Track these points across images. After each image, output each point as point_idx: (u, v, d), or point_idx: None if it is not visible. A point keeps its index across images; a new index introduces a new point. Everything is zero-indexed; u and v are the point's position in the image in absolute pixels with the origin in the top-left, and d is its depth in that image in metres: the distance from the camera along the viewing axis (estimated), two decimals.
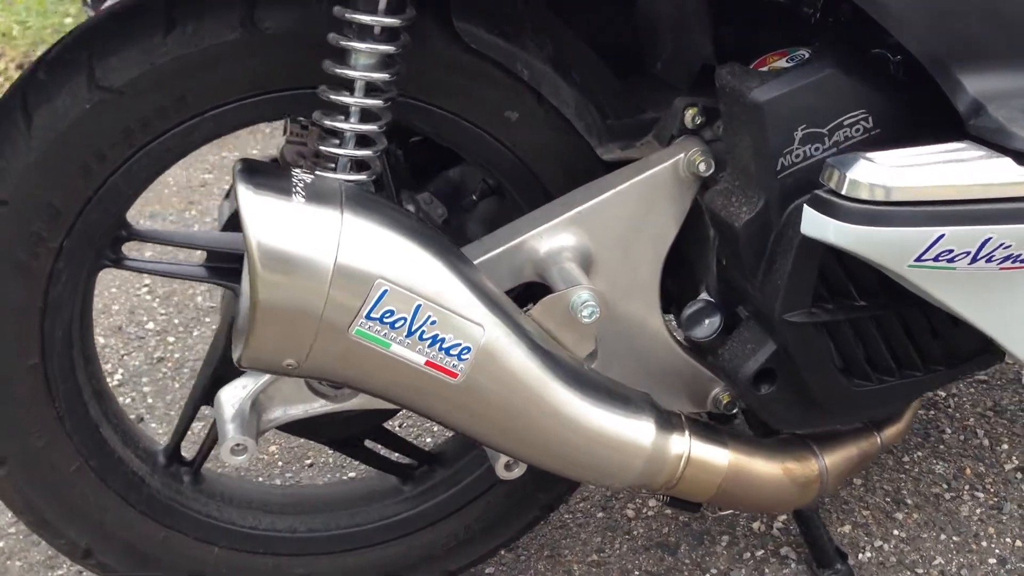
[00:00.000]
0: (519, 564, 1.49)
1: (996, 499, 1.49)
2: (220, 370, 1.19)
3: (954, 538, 1.44)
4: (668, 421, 1.08)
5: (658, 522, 1.55)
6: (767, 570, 1.44)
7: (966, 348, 1.14)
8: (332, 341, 0.88)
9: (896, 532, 1.46)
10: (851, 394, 1.10)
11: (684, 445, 1.08)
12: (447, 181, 1.31)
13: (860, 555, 1.43)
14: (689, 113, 1.09)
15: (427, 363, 0.91)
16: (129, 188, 1.06)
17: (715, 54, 1.10)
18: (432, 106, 1.09)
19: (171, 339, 2.05)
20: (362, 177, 1.00)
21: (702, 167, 1.08)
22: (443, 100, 1.10)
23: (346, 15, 0.95)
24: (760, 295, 1.04)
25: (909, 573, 1.40)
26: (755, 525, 1.51)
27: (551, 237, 1.10)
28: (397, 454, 1.39)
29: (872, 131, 1.00)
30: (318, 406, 1.16)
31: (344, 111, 0.99)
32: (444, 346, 0.91)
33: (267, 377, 1.12)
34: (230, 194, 1.35)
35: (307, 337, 0.87)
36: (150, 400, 1.87)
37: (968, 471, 1.55)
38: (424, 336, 0.90)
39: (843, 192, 0.90)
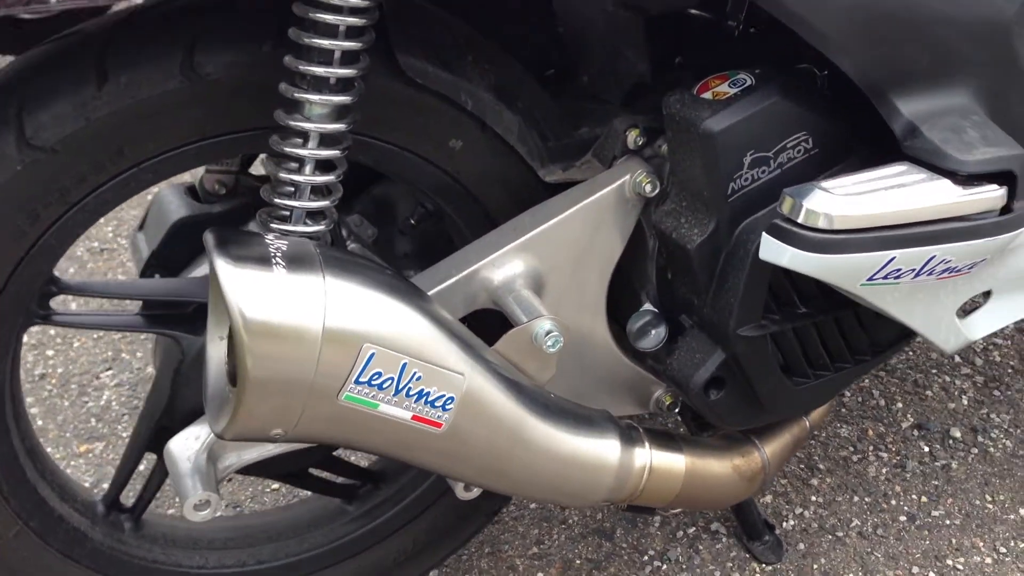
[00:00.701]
0: (461, 564, 1.52)
1: (898, 457, 1.61)
2: (164, 420, 1.15)
3: (866, 499, 1.55)
4: (629, 436, 1.11)
5: (590, 510, 1.60)
6: (700, 546, 1.51)
7: (887, 339, 1.22)
8: (321, 408, 0.86)
9: (813, 498, 1.56)
10: (792, 392, 1.16)
11: (646, 457, 1.12)
12: (373, 200, 1.30)
13: (784, 524, 1.52)
14: (632, 135, 1.11)
15: (413, 417, 0.91)
16: (61, 244, 1.01)
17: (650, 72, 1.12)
18: (375, 139, 1.07)
19: (50, 352, 1.95)
20: (320, 228, 0.98)
21: (647, 187, 1.10)
22: (386, 133, 1.07)
23: (299, 67, 0.91)
24: (711, 311, 1.08)
25: (831, 536, 1.50)
26: None
27: (504, 264, 1.10)
28: (340, 477, 1.38)
29: (812, 151, 1.04)
30: (270, 449, 1.14)
31: (299, 161, 0.96)
32: (429, 399, 0.91)
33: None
34: (142, 226, 1.29)
35: (297, 406, 0.85)
36: (40, 422, 1.78)
37: (870, 432, 1.66)
38: (410, 393, 0.89)
39: (800, 221, 0.94)
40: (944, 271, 0.99)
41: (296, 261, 0.85)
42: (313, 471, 1.33)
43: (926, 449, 1.61)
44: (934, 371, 1.76)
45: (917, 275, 0.98)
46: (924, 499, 1.54)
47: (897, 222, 0.95)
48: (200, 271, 1.18)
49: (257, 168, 1.30)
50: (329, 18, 0.90)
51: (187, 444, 1.09)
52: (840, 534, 1.50)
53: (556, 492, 1.07)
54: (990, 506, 1.51)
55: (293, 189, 0.97)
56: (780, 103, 1.01)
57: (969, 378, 1.74)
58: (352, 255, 0.95)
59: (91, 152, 0.95)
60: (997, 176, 0.98)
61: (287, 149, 0.95)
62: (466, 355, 0.94)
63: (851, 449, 1.63)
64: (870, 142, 1.06)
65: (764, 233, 0.97)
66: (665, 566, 1.49)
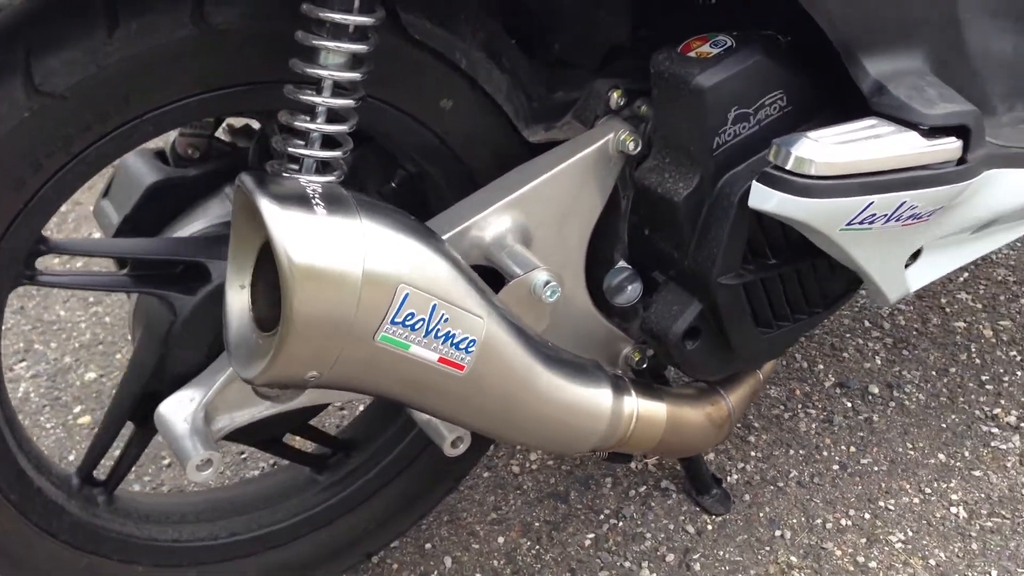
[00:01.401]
0: (422, 534, 1.53)
1: (825, 413, 1.72)
2: (152, 384, 1.13)
3: (800, 452, 1.64)
4: (618, 384, 1.16)
5: (543, 474, 1.64)
6: (653, 503, 1.58)
7: (836, 291, 1.31)
8: (358, 349, 0.87)
9: (752, 453, 1.65)
10: (759, 341, 1.24)
11: (633, 405, 1.17)
12: (350, 166, 1.30)
13: (729, 478, 1.60)
14: (614, 95, 1.16)
15: (440, 359, 0.93)
16: (59, 197, 0.98)
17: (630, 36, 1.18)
18: (369, 97, 1.09)
19: None
20: (331, 179, 0.98)
21: (631, 145, 1.16)
22: (378, 90, 1.09)
23: (318, 13, 0.92)
24: (693, 261, 1.14)
25: (772, 487, 1.59)
26: (633, 464, 1.64)
27: (494, 221, 1.13)
28: (313, 445, 1.38)
29: (786, 108, 1.12)
30: (263, 409, 1.14)
31: (311, 111, 0.96)
32: (455, 341, 0.93)
33: (217, 386, 1.09)
34: (108, 193, 1.26)
35: (335, 348, 0.86)
36: None
37: (797, 391, 1.76)
38: (439, 334, 0.92)
39: (791, 168, 1.01)
40: (909, 217, 1.08)
41: (334, 203, 0.86)
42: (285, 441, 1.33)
43: (849, 405, 1.73)
44: (848, 335, 1.88)
45: (887, 221, 1.07)
46: (852, 449, 1.64)
47: (874, 169, 1.03)
48: (182, 231, 1.17)
49: (228, 134, 1.29)
50: None
51: (181, 406, 1.08)
52: (780, 484, 1.59)
53: (555, 439, 1.11)
54: (912, 452, 1.63)
55: (305, 139, 0.97)
56: (762, 62, 1.08)
57: (880, 340, 1.87)
58: (379, 201, 0.96)
59: (99, 100, 0.93)
60: (953, 130, 1.08)
61: (303, 97, 0.95)
62: (483, 300, 0.97)
63: (782, 408, 1.73)
64: (832, 102, 1.15)
65: (755, 181, 1.03)
66: (621, 523, 1.55)
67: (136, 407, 1.15)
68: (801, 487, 1.58)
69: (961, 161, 1.09)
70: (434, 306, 0.90)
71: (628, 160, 1.18)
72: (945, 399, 1.73)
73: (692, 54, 1.10)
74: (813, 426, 1.69)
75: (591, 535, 1.53)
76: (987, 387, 1.75)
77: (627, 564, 1.48)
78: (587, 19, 1.20)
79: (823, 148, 1.01)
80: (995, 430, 1.66)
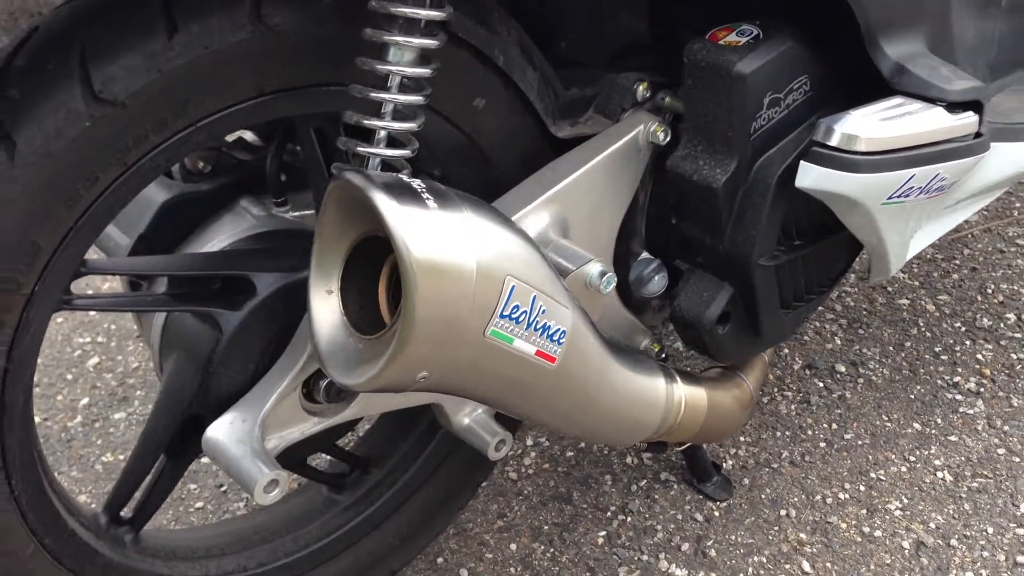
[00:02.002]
0: (431, 548, 1.50)
1: (801, 395, 1.77)
2: (192, 410, 1.06)
3: (786, 433, 1.69)
4: (667, 373, 1.17)
5: (541, 477, 1.63)
6: (656, 496, 1.59)
7: (838, 269, 1.36)
8: (469, 345, 0.85)
9: (742, 439, 1.68)
10: (782, 321, 1.27)
11: (680, 392, 1.18)
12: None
13: (724, 464, 1.63)
14: (640, 88, 1.18)
15: (537, 352, 0.91)
16: (109, 214, 0.92)
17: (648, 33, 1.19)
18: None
19: None
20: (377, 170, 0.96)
21: (661, 136, 1.17)
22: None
23: (390, 8, 0.90)
24: (730, 245, 1.16)
25: (767, 469, 1.63)
26: (628, 460, 1.65)
27: (537, 216, 1.12)
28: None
29: (809, 93, 1.16)
30: (311, 425, 1.10)
31: (378, 110, 0.94)
32: (549, 332, 0.92)
33: (270, 403, 1.04)
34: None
35: (450, 345, 0.83)
36: None
37: (770, 376, 1.81)
38: (537, 326, 0.90)
39: (839, 146, 1.04)
40: (936, 189, 1.14)
41: (440, 196, 0.83)
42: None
43: (821, 385, 1.79)
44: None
45: (920, 193, 1.12)
46: (834, 426, 1.70)
47: (911, 144, 1.08)
48: (210, 246, 1.11)
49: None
50: None
51: (233, 428, 1.03)
52: (775, 466, 1.63)
53: (621, 428, 1.11)
54: (889, 424, 1.70)
55: (371, 139, 0.94)
56: (793, 48, 1.11)
57: (835, 321, 1.94)
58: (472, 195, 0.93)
59: (158, 107, 0.88)
60: (969, 105, 1.14)
61: (372, 94, 0.92)
62: (566, 291, 0.96)
63: (760, 393, 1.78)
64: (846, 86, 1.19)
65: (803, 161, 1.06)
66: (629, 518, 1.55)
67: (172, 437, 1.08)
68: (795, 466, 1.63)
69: (978, 135, 1.15)
70: (534, 297, 0.89)
71: (655, 149, 1.19)
72: (907, 372, 1.81)
73: (722, 43, 1.13)
74: (792, 408, 1.74)
75: (603, 533, 1.53)
76: (942, 358, 1.84)
77: (644, 557, 1.49)
78: (603, 18, 1.21)
79: (869, 124, 1.05)
80: (959, 397, 1.75)
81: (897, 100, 1.11)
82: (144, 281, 1.14)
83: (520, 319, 0.88)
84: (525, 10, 1.23)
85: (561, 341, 0.93)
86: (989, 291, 2.01)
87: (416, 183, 0.84)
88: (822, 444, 1.67)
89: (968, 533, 1.50)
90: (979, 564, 1.45)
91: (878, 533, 1.51)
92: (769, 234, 1.15)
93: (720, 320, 1.21)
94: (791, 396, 1.77)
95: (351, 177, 0.82)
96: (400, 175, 0.87)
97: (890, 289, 2.04)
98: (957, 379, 1.79)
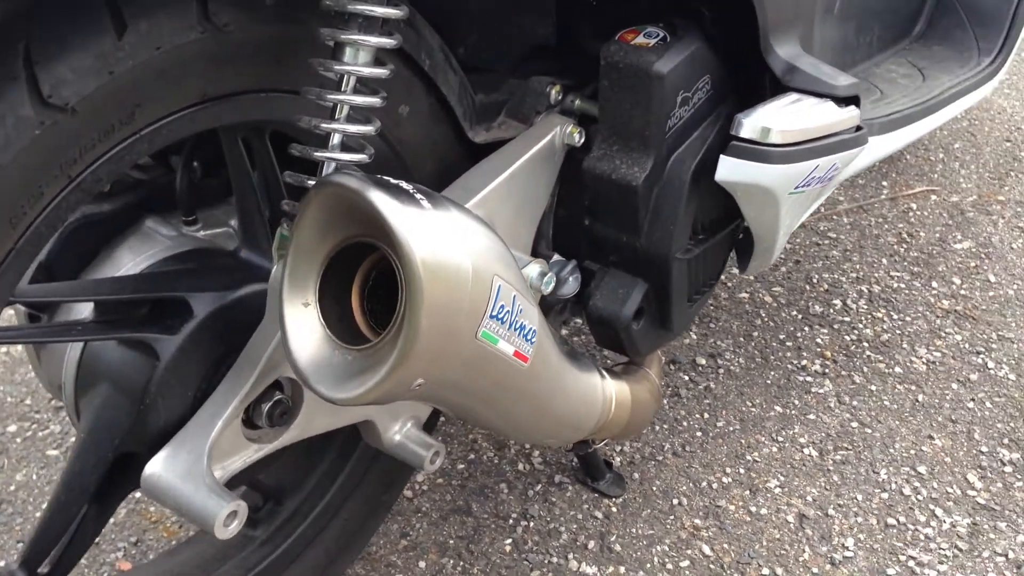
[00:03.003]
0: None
1: (671, 388, 1.85)
2: (127, 447, 0.98)
3: (664, 426, 1.75)
4: (599, 371, 1.19)
5: (436, 493, 1.61)
6: (554, 498, 1.60)
7: (723, 260, 1.43)
8: (462, 348, 0.83)
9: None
10: (687, 314, 1.33)
11: (610, 388, 1.20)
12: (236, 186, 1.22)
13: (614, 461, 1.67)
14: (553, 91, 1.20)
15: (515, 352, 0.91)
16: (49, 233, 0.83)
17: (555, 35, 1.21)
18: None
19: None
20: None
21: (576, 137, 1.19)
22: None
23: (349, 7, 0.87)
24: (647, 242, 1.20)
25: (653, 462, 1.68)
26: (520, 466, 1.66)
27: None
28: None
29: (710, 92, 1.21)
30: (252, 452, 1.04)
31: (332, 114, 0.90)
32: (524, 332, 0.91)
33: (215, 432, 0.97)
34: None
35: (447, 350, 0.81)
36: None
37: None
38: (515, 326, 0.89)
39: (758, 139, 1.10)
40: (828, 179, 1.22)
41: (430, 197, 0.81)
42: None
43: (687, 378, 1.87)
44: None
45: (818, 183, 1.20)
46: (706, 415, 1.78)
47: (813, 136, 1.15)
48: (102, 272, 1.03)
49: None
50: None
51: (177, 463, 0.96)
52: (659, 458, 1.69)
53: (571, 426, 1.12)
54: (754, 409, 1.80)
55: (326, 144, 0.91)
56: (700, 48, 1.16)
57: None
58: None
59: (108, 114, 0.81)
60: (851, 100, 1.23)
61: (330, 96, 0.89)
62: (530, 289, 0.96)
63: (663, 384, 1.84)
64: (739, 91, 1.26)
65: (723, 156, 1.12)
66: (532, 523, 1.56)
67: (100, 480, 0.99)
68: (677, 457, 1.69)
69: (859, 127, 1.25)
70: (514, 297, 0.88)
71: (570, 151, 1.21)
72: (760, 359, 1.93)
73: (633, 44, 1.16)
74: (666, 402, 1.81)
75: (508, 540, 1.53)
76: (787, 344, 1.98)
77: (554, 559, 1.50)
78: (506, 22, 1.22)
79: (781, 118, 1.12)
80: (808, 379, 1.88)
81: (793, 96, 1.19)
82: (44, 313, 1.04)
83: (504, 319, 0.87)
84: (421, 14, 1.22)
85: (533, 340, 0.93)
86: (814, 280, 2.18)
87: (405, 184, 0.81)
88: (698, 433, 1.75)
89: (841, 502, 1.62)
90: (856, 529, 1.57)
91: (764, 511, 1.59)
92: (685, 229, 1.20)
93: (635, 316, 1.25)
94: (663, 379, 1.84)
95: (343, 179, 0.78)
96: (386, 177, 0.84)
97: (729, 284, 2.16)
98: (804, 362, 1.92)
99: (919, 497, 1.63)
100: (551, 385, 1.02)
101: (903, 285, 2.17)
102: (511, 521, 1.56)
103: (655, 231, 1.19)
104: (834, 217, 2.41)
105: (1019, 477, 1.67)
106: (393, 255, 0.79)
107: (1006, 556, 1.52)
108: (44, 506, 1.01)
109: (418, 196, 0.80)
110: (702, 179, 1.19)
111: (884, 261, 2.25)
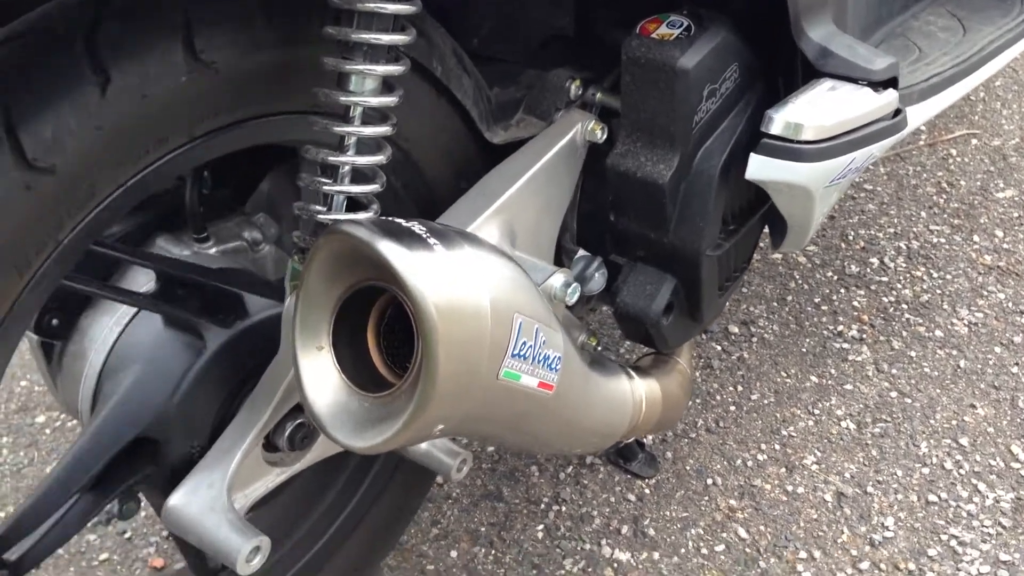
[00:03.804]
0: None
1: (703, 360, 1.81)
2: (152, 431, 0.96)
3: (697, 401, 1.72)
4: (627, 372, 1.16)
5: (468, 478, 1.60)
6: (585, 481, 1.59)
7: (754, 245, 1.39)
8: (483, 390, 0.80)
9: None
10: (717, 305, 1.28)
11: (640, 388, 1.17)
12: (266, 197, 1.18)
13: (645, 440, 1.65)
14: (573, 86, 1.14)
15: (539, 384, 0.88)
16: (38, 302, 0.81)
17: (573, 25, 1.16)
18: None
19: None
20: (370, 216, 0.89)
21: (599, 133, 1.14)
22: None
23: (351, 36, 0.82)
24: (675, 238, 1.15)
25: (686, 440, 1.66)
26: None
27: (487, 230, 1.07)
28: None
29: (738, 81, 1.15)
30: (274, 476, 1.02)
31: (341, 144, 0.86)
32: (548, 362, 0.88)
33: (234, 463, 0.96)
34: None
35: (468, 394, 0.78)
36: None
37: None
38: (539, 358, 0.86)
39: (788, 136, 1.05)
40: (863, 168, 1.17)
41: (441, 236, 0.78)
42: None
43: (719, 348, 1.84)
44: None
45: (853, 173, 1.14)
46: (740, 388, 1.75)
47: (851, 128, 1.09)
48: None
49: None
50: None
51: (199, 495, 0.94)
52: (693, 435, 1.66)
53: (604, 435, 1.09)
54: (788, 380, 1.77)
55: (335, 176, 0.87)
56: (727, 38, 1.10)
57: None
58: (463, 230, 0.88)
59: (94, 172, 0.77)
60: (888, 83, 1.17)
61: (337, 128, 0.85)
62: (553, 313, 0.93)
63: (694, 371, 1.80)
64: (769, 76, 1.20)
65: (753, 154, 1.06)
66: (564, 508, 1.55)
67: (105, 468, 0.96)
68: (711, 433, 1.67)
69: (897, 112, 1.18)
70: (537, 330, 0.85)
71: (593, 147, 1.16)
72: (795, 326, 1.89)
73: (655, 36, 1.10)
74: (698, 374, 1.78)
75: (540, 527, 1.52)
76: (822, 308, 1.93)
77: (587, 546, 1.49)
78: (523, 10, 1.17)
79: (814, 113, 1.06)
80: (845, 345, 1.84)
81: (828, 83, 1.12)
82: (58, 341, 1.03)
83: (527, 355, 0.84)
84: (432, 4, 1.17)
85: (557, 368, 0.90)
86: (850, 238, 2.11)
87: (415, 225, 0.77)
88: (732, 408, 1.72)
89: (880, 479, 1.59)
90: (896, 507, 1.54)
91: (800, 490, 1.57)
92: (715, 224, 1.15)
93: (665, 311, 1.21)
94: (694, 363, 1.80)
95: (349, 228, 0.75)
96: (396, 219, 0.81)
97: (762, 245, 2.10)
98: (840, 328, 1.88)
99: (961, 471, 1.59)
100: (578, 403, 0.99)
101: (943, 240, 2.10)
102: (543, 506, 1.55)
103: (683, 228, 1.15)
104: (870, 167, 2.33)
105: None
106: (407, 303, 0.75)
107: None
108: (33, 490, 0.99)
109: (430, 240, 0.76)
110: (732, 170, 1.14)
111: (923, 214, 2.18)
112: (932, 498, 1.55)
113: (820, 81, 1.13)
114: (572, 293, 1.06)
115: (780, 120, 1.05)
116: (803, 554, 1.47)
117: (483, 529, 1.52)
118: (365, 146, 0.87)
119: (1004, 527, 1.51)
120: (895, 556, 1.47)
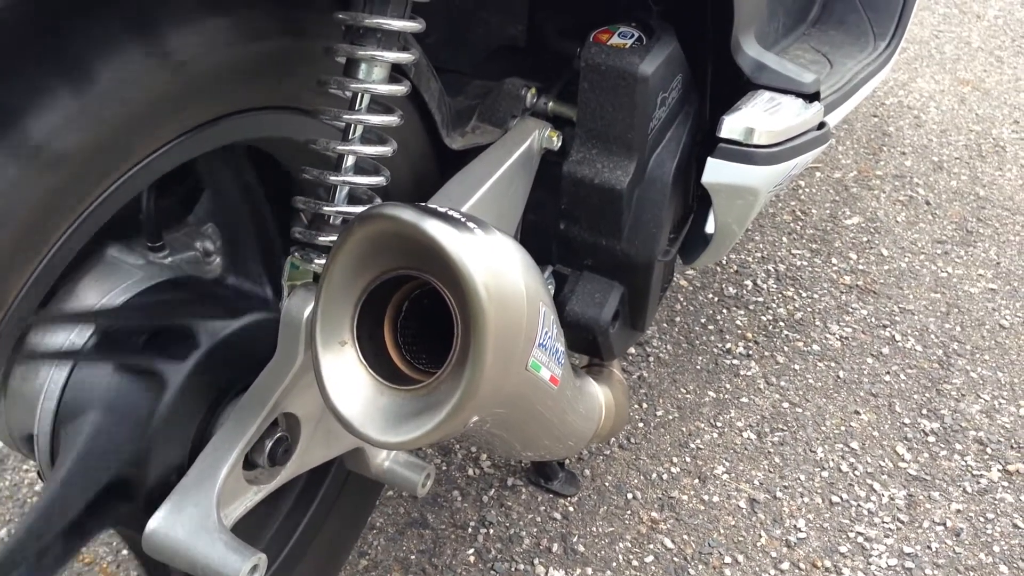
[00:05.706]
0: None
1: None
2: (125, 472, 0.89)
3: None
4: (593, 375, 1.16)
5: (388, 507, 1.55)
6: (509, 502, 1.58)
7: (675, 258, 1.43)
8: (515, 380, 0.79)
9: None
10: (654, 311, 1.32)
11: (605, 393, 1.18)
12: (217, 207, 1.13)
13: (564, 460, 1.65)
14: (528, 94, 1.15)
15: (551, 378, 0.87)
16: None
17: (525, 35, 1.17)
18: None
19: None
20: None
21: (555, 140, 1.16)
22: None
23: (365, 22, 0.80)
24: (629, 246, 1.18)
25: (601, 457, 1.67)
26: (470, 471, 1.62)
27: None
28: None
29: (680, 91, 1.20)
30: (252, 495, 0.96)
31: (346, 135, 0.84)
32: (556, 355, 0.88)
33: (220, 480, 0.90)
34: None
35: (504, 382, 0.77)
36: None
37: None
38: (553, 351, 0.86)
39: (744, 141, 1.10)
40: (794, 178, 1.23)
41: (476, 222, 0.76)
42: None
43: None
44: None
45: (788, 180, 1.21)
46: (644, 405, 1.79)
47: (793, 134, 1.16)
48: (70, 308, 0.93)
49: None
50: None
51: (183, 517, 0.88)
52: (607, 453, 1.68)
53: (580, 437, 1.09)
54: (689, 396, 1.82)
55: (341, 167, 0.84)
56: (676, 48, 1.15)
57: None
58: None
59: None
60: (814, 96, 1.25)
61: (346, 116, 0.82)
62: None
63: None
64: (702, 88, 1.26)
65: (711, 158, 1.11)
66: (491, 530, 1.53)
67: (79, 512, 0.88)
68: (624, 450, 1.69)
69: (822, 124, 1.26)
70: (553, 321, 0.84)
71: (546, 154, 1.18)
72: (687, 345, 1.95)
73: (609, 45, 1.14)
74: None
75: (471, 551, 1.49)
76: (709, 327, 2.01)
77: (521, 567, 1.48)
78: (473, 20, 1.17)
79: (765, 119, 1.11)
80: (735, 361, 1.92)
81: (767, 95, 1.19)
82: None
83: (547, 345, 0.83)
84: None
85: (562, 362, 0.90)
86: (724, 262, 2.22)
87: (452, 211, 0.76)
88: (640, 424, 1.75)
89: (786, 484, 1.66)
90: (804, 510, 1.61)
91: (716, 498, 1.61)
92: (666, 231, 1.19)
93: (612, 319, 1.23)
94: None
95: (392, 211, 0.72)
96: (430, 204, 0.79)
97: None
98: (728, 345, 1.96)
99: (856, 473, 1.69)
100: (570, 401, 0.99)
101: (805, 263, 2.24)
102: (470, 530, 1.53)
103: (637, 235, 1.18)
104: None
105: (942, 447, 1.75)
106: (446, 288, 0.73)
107: (944, 525, 1.60)
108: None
109: (469, 223, 0.75)
110: (680, 178, 1.18)
111: (784, 239, 2.32)
112: (835, 499, 1.63)
113: (759, 92, 1.20)
114: (552, 287, 1.06)
115: (734, 125, 1.10)
116: (728, 559, 1.51)
117: (413, 557, 1.48)
118: (370, 137, 0.85)
119: (902, 522, 1.60)
120: (811, 555, 1.53)
